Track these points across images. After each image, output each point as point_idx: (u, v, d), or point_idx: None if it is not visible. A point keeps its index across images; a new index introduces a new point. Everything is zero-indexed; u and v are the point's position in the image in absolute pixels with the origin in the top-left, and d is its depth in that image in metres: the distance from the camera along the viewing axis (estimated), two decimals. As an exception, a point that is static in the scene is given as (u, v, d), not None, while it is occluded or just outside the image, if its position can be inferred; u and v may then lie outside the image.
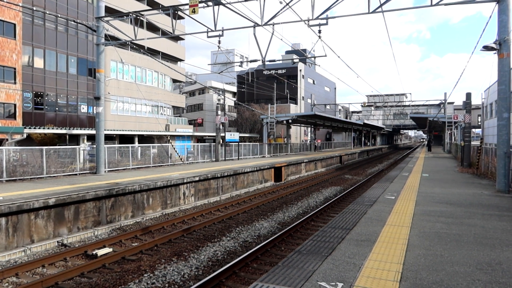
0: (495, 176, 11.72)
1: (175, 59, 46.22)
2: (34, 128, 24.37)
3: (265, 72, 56.27)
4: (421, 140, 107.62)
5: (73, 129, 26.44)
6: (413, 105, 60.08)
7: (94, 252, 8.52)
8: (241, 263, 7.58)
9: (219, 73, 23.75)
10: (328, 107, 65.57)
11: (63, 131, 25.22)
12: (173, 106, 45.30)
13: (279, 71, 56.38)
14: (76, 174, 15.25)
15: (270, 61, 18.01)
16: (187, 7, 13.80)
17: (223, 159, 25.62)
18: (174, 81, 47.30)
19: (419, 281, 4.10)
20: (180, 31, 39.33)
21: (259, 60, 16.07)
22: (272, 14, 13.88)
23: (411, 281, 4.12)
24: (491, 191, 11.06)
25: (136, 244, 9.45)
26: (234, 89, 65.04)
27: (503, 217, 7.41)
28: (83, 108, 32.41)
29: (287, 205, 14.78)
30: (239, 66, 24.42)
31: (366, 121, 58.84)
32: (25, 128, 23.70)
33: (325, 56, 16.45)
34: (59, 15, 18.75)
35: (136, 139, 31.93)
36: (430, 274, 4.30)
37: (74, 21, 18.38)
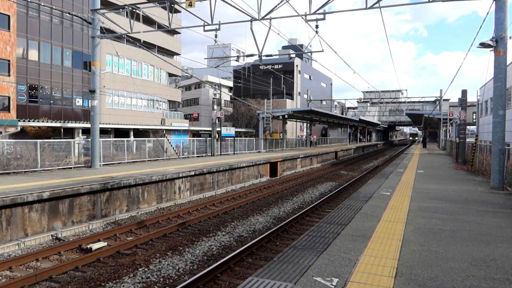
0: (490, 173, 11.78)
1: (171, 53, 45.96)
2: (29, 121, 24.15)
3: (261, 67, 56.17)
4: (412, 136, 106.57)
5: (68, 122, 26.23)
6: (408, 102, 60.32)
7: (88, 246, 8.49)
8: (236, 258, 7.57)
9: (215, 67, 23.69)
10: (324, 102, 65.60)
11: (57, 124, 25.02)
12: (169, 100, 45.12)
13: (276, 66, 56.30)
14: (70, 168, 15.15)
15: (266, 56, 17.96)
16: (183, 0, 13.69)
17: (219, 153, 25.57)
18: (170, 75, 47.07)
19: (414, 277, 4.11)
20: (176, 24, 39.02)
21: (256, 54, 15.98)
22: (270, 9, 13.83)
23: (406, 276, 4.13)
24: (485, 187, 11.13)
25: (131, 238, 9.41)
26: (230, 83, 64.81)
27: (497, 213, 7.46)
28: (78, 102, 32.17)
29: (283, 200, 14.79)
30: (236, 60, 24.31)
31: (361, 117, 58.95)
32: (19, 121, 23.50)
33: (322, 51, 16.37)
34: (54, 7, 18.55)
35: (132, 133, 31.76)
36: (425, 270, 4.31)
37: (69, 13, 18.20)
